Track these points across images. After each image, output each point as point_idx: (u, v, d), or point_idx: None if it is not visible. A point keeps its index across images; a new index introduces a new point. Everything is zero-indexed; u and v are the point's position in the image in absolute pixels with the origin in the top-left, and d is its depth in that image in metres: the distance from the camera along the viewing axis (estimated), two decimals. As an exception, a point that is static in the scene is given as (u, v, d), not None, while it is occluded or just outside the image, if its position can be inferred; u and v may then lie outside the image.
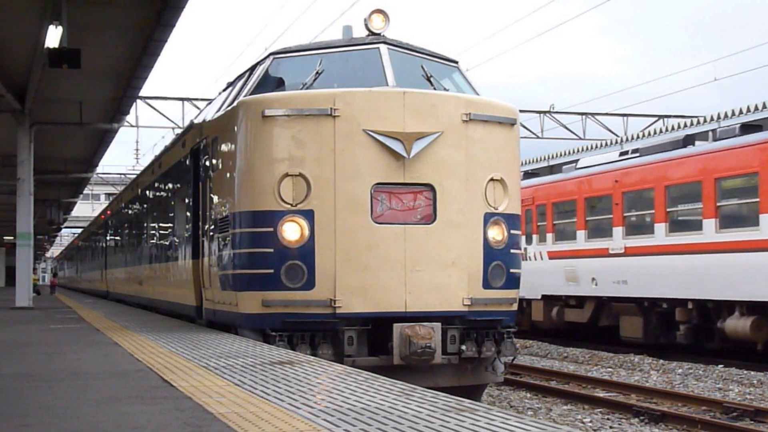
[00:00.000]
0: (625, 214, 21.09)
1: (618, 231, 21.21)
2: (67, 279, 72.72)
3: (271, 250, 10.61)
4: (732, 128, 19.14)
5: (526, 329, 25.29)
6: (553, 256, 24.06)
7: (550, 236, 24.42)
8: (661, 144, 21.12)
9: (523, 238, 24.08)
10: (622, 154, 22.34)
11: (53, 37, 16.13)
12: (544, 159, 38.93)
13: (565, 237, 23.78)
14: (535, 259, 24.90)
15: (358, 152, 10.63)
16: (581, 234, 22.82)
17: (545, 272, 24.22)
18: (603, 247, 21.66)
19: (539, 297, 24.44)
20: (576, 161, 25.46)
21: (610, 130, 36.08)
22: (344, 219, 10.58)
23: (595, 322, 22.61)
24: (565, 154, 38.61)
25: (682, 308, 19.30)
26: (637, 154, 21.37)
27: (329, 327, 10.57)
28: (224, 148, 11.95)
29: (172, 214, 17.26)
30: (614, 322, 21.92)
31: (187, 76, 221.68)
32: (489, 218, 11.13)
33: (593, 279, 22.07)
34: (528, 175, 27.34)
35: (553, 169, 29.65)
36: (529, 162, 39.90)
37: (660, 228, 19.73)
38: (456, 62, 12.61)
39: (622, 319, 21.44)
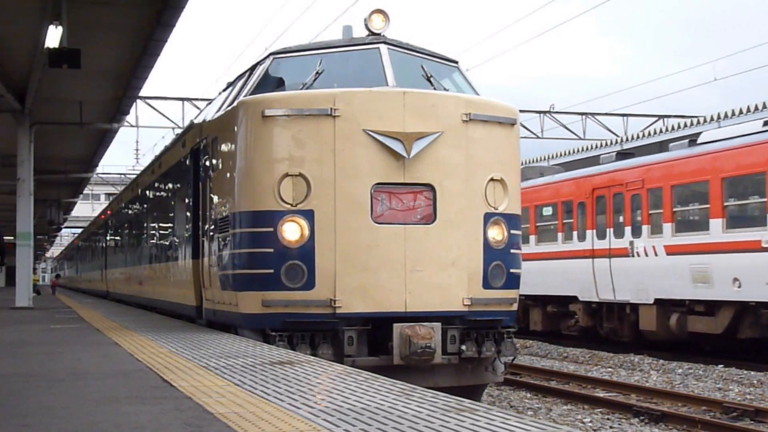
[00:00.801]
0: None
1: None
2: (67, 279, 72.74)
3: (271, 250, 10.62)
4: None
5: (626, 340, 21.36)
6: (674, 251, 19.43)
7: (668, 227, 19.71)
8: None
9: (628, 229, 21.00)
10: (767, 123, 18.22)
11: (53, 37, 16.14)
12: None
13: (692, 227, 19.31)
14: (646, 254, 20.30)
15: (358, 152, 10.63)
16: (717, 223, 18.31)
17: (661, 271, 19.75)
18: (752, 239, 17.46)
19: (651, 301, 20.06)
20: (695, 135, 21.27)
21: (610, 130, 36.15)
22: (344, 219, 10.58)
23: (732, 334, 18.39)
24: (569, 153, 38.28)
25: None
26: None
27: (329, 327, 10.57)
28: (224, 148, 11.96)
29: (172, 214, 17.26)
30: (763, 333, 17.92)
31: (187, 76, 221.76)
32: (489, 218, 11.13)
33: (735, 279, 17.76)
34: (622, 155, 23.43)
35: (661, 147, 25.38)
36: (533, 160, 39.71)
37: None
38: (456, 62, 12.61)
39: None
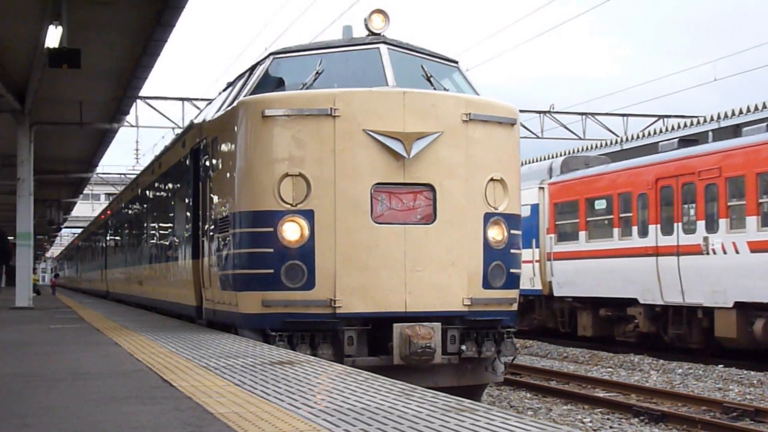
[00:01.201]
0: None
1: None
2: (67, 279, 72.71)
3: (271, 250, 10.62)
4: None
5: (695, 347, 19.25)
6: (760, 247, 17.10)
7: (752, 220, 17.38)
8: None
9: (701, 224, 18.66)
10: None
11: (53, 37, 16.13)
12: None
13: None
14: (724, 252, 17.96)
15: (358, 152, 10.63)
16: None
17: (743, 270, 17.47)
18: None
19: (730, 305, 17.76)
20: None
21: (610, 130, 36.14)
22: (344, 219, 10.58)
23: None
24: (567, 153, 38.06)
25: None
26: None
27: (329, 327, 10.57)
28: (224, 148, 11.96)
29: (172, 214, 17.27)
30: None
31: (187, 76, 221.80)
32: (489, 218, 11.13)
33: None
34: (685, 142, 21.15)
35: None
36: (531, 160, 39.46)
37: None
38: (456, 62, 12.61)
39: None
